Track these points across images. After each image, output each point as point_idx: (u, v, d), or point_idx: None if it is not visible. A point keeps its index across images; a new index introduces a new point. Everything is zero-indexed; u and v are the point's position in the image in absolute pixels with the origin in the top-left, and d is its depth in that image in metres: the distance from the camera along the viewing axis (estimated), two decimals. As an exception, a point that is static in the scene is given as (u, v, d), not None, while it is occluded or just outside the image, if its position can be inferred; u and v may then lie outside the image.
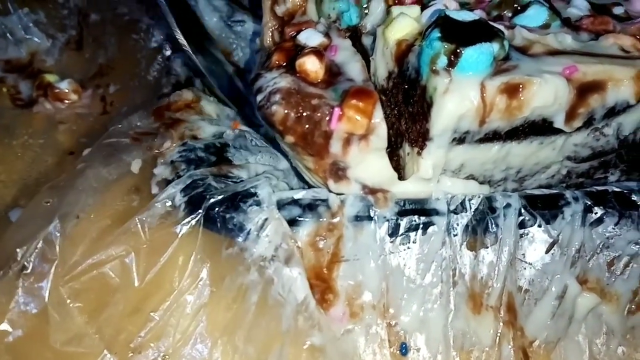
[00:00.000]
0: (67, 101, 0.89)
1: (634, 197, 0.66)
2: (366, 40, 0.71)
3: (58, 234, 0.60)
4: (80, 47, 0.97)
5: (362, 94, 0.58)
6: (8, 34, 0.97)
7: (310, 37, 0.65)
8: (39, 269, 0.59)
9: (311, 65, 0.61)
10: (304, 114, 0.59)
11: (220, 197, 0.61)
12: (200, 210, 0.60)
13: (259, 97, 0.60)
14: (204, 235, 0.60)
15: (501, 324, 0.63)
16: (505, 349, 0.63)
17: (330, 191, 0.64)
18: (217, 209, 0.61)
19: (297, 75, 0.61)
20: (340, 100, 0.59)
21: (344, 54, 0.65)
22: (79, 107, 0.89)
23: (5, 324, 0.59)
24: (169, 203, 0.61)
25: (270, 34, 0.76)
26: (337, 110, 0.58)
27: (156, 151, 0.68)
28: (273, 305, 0.60)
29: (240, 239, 0.60)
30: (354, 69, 0.63)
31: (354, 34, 0.74)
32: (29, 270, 0.59)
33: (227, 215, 0.60)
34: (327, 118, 0.58)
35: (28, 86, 0.93)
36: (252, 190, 0.62)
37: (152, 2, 0.93)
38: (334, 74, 0.62)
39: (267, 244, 0.60)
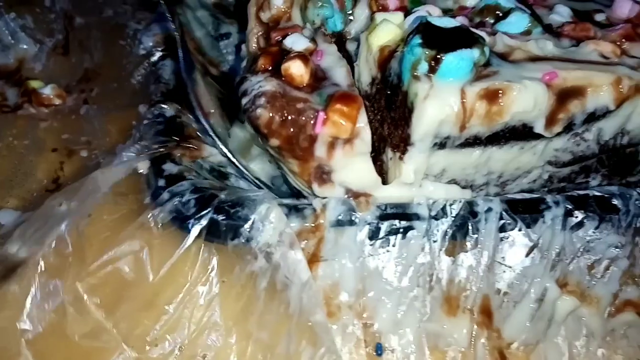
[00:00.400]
0: (50, 106, 0.89)
1: (615, 201, 0.66)
2: (350, 46, 0.72)
3: (71, 233, 0.61)
4: (67, 51, 0.97)
5: (346, 99, 0.58)
6: (-5, 40, 0.97)
7: (296, 42, 0.66)
8: (54, 267, 0.60)
9: (296, 69, 0.62)
10: (289, 117, 0.59)
11: (227, 198, 0.62)
12: (209, 208, 0.61)
13: (244, 100, 0.61)
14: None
15: (476, 326, 0.64)
16: (480, 350, 0.64)
17: (314, 195, 0.64)
18: (223, 205, 0.61)
19: (283, 79, 0.62)
20: (325, 104, 0.60)
21: (330, 59, 0.66)
22: (61, 109, 0.89)
23: (24, 322, 0.59)
24: (180, 199, 0.62)
25: (256, 40, 0.76)
26: (321, 115, 0.58)
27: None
28: (281, 289, 0.61)
29: (245, 230, 0.61)
30: (339, 74, 0.64)
31: (339, 39, 0.75)
32: (44, 269, 0.60)
33: (233, 210, 0.61)
34: (312, 122, 0.59)
35: (14, 93, 0.93)
36: (255, 196, 0.63)
37: (139, 7, 0.94)
38: (319, 78, 0.63)
39: (272, 231, 0.60)
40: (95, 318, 0.60)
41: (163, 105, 0.74)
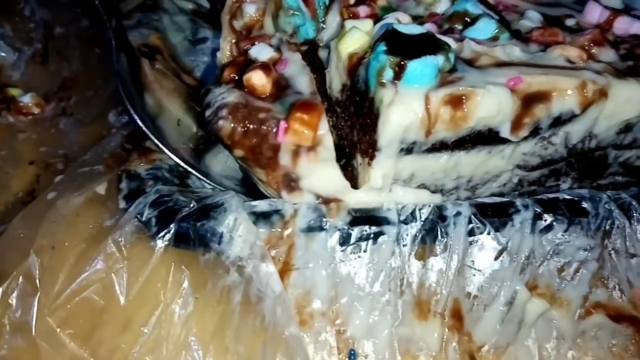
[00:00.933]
0: (29, 115, 0.90)
1: (584, 205, 0.67)
2: (322, 54, 0.73)
3: (37, 268, 0.61)
4: (46, 60, 0.98)
5: (307, 107, 0.59)
6: (-25, 49, 0.98)
7: (261, 52, 0.67)
8: (22, 304, 0.60)
9: (257, 80, 0.62)
10: (251, 127, 0.60)
11: (190, 210, 0.62)
12: (172, 224, 0.61)
13: (208, 113, 0.62)
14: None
15: (447, 330, 0.64)
16: (451, 354, 0.65)
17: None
18: (187, 220, 0.62)
19: (245, 89, 0.63)
20: (287, 113, 0.60)
21: (293, 67, 0.66)
22: (40, 120, 0.89)
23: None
24: (140, 219, 0.62)
25: (229, 48, 0.77)
26: (282, 124, 0.59)
27: (123, 168, 0.69)
28: (255, 302, 0.61)
29: (215, 244, 0.61)
30: (302, 82, 0.64)
31: (311, 47, 0.75)
32: (13, 307, 0.60)
33: (199, 224, 0.61)
34: (274, 131, 0.60)
35: (-8, 100, 0.94)
36: (219, 199, 0.63)
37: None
38: (282, 87, 0.63)
39: (242, 244, 0.61)
40: (70, 350, 0.60)
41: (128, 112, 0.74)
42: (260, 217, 0.63)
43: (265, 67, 0.63)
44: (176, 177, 0.69)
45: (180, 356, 0.60)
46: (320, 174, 0.62)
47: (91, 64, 0.92)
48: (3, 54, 0.98)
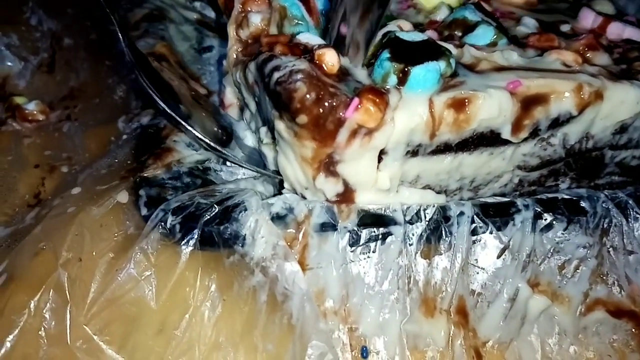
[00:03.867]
0: (34, 122, 0.91)
1: (583, 204, 0.69)
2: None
3: (65, 280, 0.62)
4: (52, 70, 0.99)
5: (377, 92, 0.58)
6: (-20, 58, 0.99)
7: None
8: (55, 316, 0.62)
9: (330, 57, 0.62)
10: (323, 96, 0.59)
11: (212, 214, 0.63)
12: (196, 229, 0.63)
13: (278, 74, 0.61)
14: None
15: (452, 326, 0.66)
16: (457, 349, 0.66)
17: (304, 193, 0.66)
18: (211, 224, 0.63)
19: (314, 63, 0.62)
20: (354, 94, 0.60)
21: (346, 60, 0.66)
22: (44, 125, 0.91)
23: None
24: (164, 226, 0.63)
25: (235, 57, 0.78)
26: (355, 100, 0.58)
27: (139, 175, 0.70)
28: (281, 300, 0.63)
29: (239, 247, 0.63)
30: (361, 74, 0.64)
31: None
32: (47, 319, 0.62)
33: (222, 227, 0.63)
34: (344, 106, 0.59)
35: (-1, 109, 0.95)
36: (239, 199, 0.65)
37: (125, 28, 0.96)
38: (343, 73, 0.64)
39: (264, 245, 0.63)
40: (108, 356, 0.62)
41: (140, 117, 0.76)
42: (275, 218, 0.64)
43: (335, 48, 0.63)
44: (196, 176, 0.70)
45: (212, 357, 0.62)
46: (362, 161, 0.62)
47: (99, 76, 0.93)
48: (9, 64, 0.99)
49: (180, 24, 1.01)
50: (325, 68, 0.62)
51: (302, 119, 0.60)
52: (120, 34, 0.71)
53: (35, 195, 0.81)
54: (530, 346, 0.69)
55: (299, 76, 0.60)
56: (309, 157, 0.63)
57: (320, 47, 0.63)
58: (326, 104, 0.59)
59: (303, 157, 0.63)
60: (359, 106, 0.58)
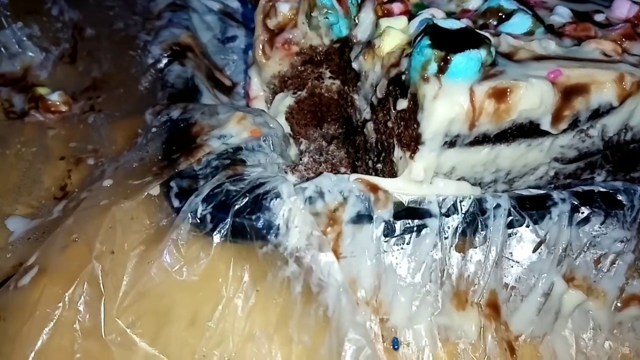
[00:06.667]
0: (57, 112, 0.90)
1: (619, 197, 0.68)
2: (353, 53, 0.74)
3: (99, 273, 0.62)
4: (74, 60, 0.98)
5: None
6: (2, 48, 0.97)
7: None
8: (89, 309, 0.61)
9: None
10: None
11: (243, 203, 0.62)
12: (227, 219, 0.62)
13: None
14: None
15: (484, 319, 0.65)
16: (489, 342, 0.65)
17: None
18: (243, 214, 0.62)
19: None
20: None
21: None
22: (69, 117, 0.90)
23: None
24: (195, 216, 0.63)
25: (262, 47, 0.78)
26: None
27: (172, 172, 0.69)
28: (317, 291, 0.62)
29: (272, 236, 0.62)
30: None
31: (344, 45, 0.76)
32: (82, 312, 0.61)
33: (254, 216, 0.62)
34: None
35: (21, 99, 0.93)
36: (270, 187, 0.63)
37: (148, 17, 0.95)
38: None
39: (298, 235, 0.62)
40: (141, 348, 0.61)
41: (169, 110, 0.75)
42: (308, 202, 0.63)
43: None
44: (226, 159, 0.68)
45: (246, 348, 0.61)
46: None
47: (123, 66, 0.92)
48: (31, 54, 0.99)
49: (204, 14, 1.00)
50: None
51: None
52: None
53: (61, 188, 0.80)
54: (564, 341, 0.68)
55: None
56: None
57: None
58: None
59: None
60: None
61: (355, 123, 0.78)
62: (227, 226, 0.61)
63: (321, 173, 0.66)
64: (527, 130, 0.63)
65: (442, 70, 0.58)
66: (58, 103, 0.91)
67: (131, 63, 0.90)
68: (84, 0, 1.03)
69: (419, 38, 0.60)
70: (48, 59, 0.99)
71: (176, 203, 0.64)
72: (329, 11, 0.74)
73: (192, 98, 0.79)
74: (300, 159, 0.80)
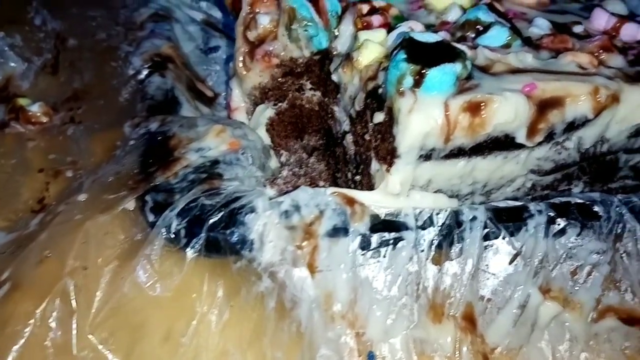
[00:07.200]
0: (38, 124, 0.90)
1: (596, 208, 0.68)
2: (333, 65, 0.74)
3: (71, 289, 0.61)
4: (56, 71, 0.97)
5: None
6: (-16, 58, 0.98)
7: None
8: (61, 326, 0.61)
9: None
10: None
11: (218, 217, 0.62)
12: (202, 234, 0.62)
13: None
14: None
15: (460, 331, 0.65)
16: (465, 355, 0.66)
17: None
18: (217, 228, 0.62)
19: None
20: None
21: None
22: (49, 128, 0.89)
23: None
24: (169, 231, 0.62)
25: (242, 59, 0.78)
26: None
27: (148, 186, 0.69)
28: (290, 307, 0.62)
29: (246, 251, 0.62)
30: None
31: (324, 56, 0.76)
32: (54, 329, 0.61)
33: (228, 232, 0.62)
34: None
35: (1, 110, 0.93)
36: (245, 201, 0.63)
37: (130, 28, 0.95)
38: None
39: (272, 249, 0.62)
40: None
41: (148, 122, 0.74)
42: (284, 216, 0.63)
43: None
44: (203, 173, 0.68)
45: None
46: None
47: (104, 77, 0.91)
48: (13, 64, 0.98)
49: (186, 24, 1.00)
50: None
51: None
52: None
53: (39, 201, 0.79)
54: (540, 353, 0.68)
55: None
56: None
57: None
58: None
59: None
60: None
61: (336, 135, 0.79)
62: (201, 241, 0.61)
63: (299, 186, 0.66)
64: (503, 143, 0.63)
65: (417, 84, 0.59)
66: (38, 114, 0.90)
67: (112, 74, 0.90)
68: (67, 10, 1.02)
69: (395, 52, 0.61)
70: (30, 69, 0.98)
71: (151, 217, 0.64)
72: (309, 23, 0.74)
73: (171, 110, 0.79)
74: (280, 172, 0.80)
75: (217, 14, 1.08)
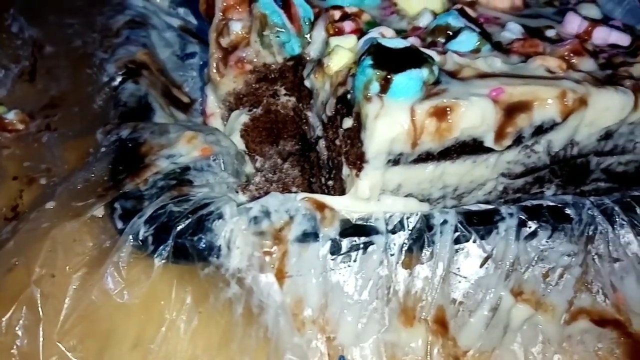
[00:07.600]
0: (14, 131, 0.89)
1: (567, 211, 0.68)
2: (305, 71, 0.74)
3: (38, 297, 0.61)
4: (34, 78, 0.97)
5: None
6: (-39, 66, 0.97)
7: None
8: (27, 334, 0.61)
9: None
10: None
11: (186, 224, 0.62)
12: (169, 241, 0.62)
13: None
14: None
15: (431, 335, 0.66)
16: (436, 358, 0.66)
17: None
18: (184, 235, 0.62)
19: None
20: None
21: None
22: (24, 135, 0.89)
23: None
24: (136, 238, 0.62)
25: (216, 65, 0.78)
26: None
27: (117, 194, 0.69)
28: (257, 313, 0.62)
29: (214, 258, 0.62)
30: None
31: (297, 62, 0.77)
32: (20, 337, 0.61)
33: (195, 238, 0.62)
34: None
35: (-23, 119, 0.93)
36: (213, 207, 0.63)
37: (107, 35, 0.95)
38: None
39: (239, 256, 0.62)
40: None
41: (119, 129, 0.75)
42: (253, 222, 0.63)
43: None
44: (172, 179, 0.68)
45: None
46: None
47: (79, 84, 0.91)
48: (-11, 72, 0.98)
49: (163, 31, 1.00)
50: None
51: None
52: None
53: (12, 208, 0.79)
54: (513, 355, 0.68)
55: None
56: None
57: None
58: None
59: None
60: None
61: (310, 140, 0.79)
62: (169, 248, 0.61)
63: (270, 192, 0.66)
64: (471, 147, 0.64)
65: (383, 89, 0.59)
66: (15, 122, 0.90)
67: (87, 81, 0.89)
68: (44, 17, 1.02)
69: (362, 58, 0.61)
70: (7, 77, 0.98)
71: (120, 224, 0.64)
72: (280, 30, 0.75)
73: (144, 116, 0.79)
74: (253, 178, 0.81)
75: (194, 20, 1.08)
